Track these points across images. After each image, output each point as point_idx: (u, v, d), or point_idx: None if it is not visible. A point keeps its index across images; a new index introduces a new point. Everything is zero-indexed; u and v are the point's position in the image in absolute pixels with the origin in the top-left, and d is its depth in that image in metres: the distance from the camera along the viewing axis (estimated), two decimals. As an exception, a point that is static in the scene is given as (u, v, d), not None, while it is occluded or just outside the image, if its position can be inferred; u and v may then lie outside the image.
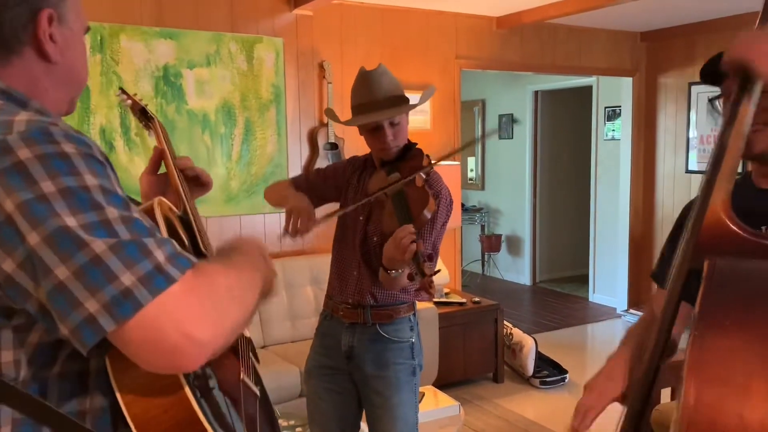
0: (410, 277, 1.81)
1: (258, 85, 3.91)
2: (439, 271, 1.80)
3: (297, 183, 2.28)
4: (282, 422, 2.84)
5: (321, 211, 2.12)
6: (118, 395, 0.82)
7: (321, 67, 4.09)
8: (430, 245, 2.04)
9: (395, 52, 4.34)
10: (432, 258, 1.91)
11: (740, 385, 0.89)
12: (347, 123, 2.07)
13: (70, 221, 0.72)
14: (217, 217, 3.82)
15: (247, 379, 1.14)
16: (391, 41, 4.33)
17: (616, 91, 5.92)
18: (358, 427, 2.23)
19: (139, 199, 1.28)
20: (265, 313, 3.70)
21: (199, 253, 1.14)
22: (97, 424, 0.84)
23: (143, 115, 1.46)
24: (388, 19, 4.32)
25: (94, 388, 0.84)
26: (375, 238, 2.07)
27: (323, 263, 3.99)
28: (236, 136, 3.86)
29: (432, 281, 1.73)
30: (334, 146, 4.11)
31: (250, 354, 1.25)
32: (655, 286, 1.55)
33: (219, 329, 0.77)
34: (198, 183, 1.38)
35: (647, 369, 1.17)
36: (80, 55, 0.95)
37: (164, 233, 0.95)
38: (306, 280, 3.85)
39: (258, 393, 1.18)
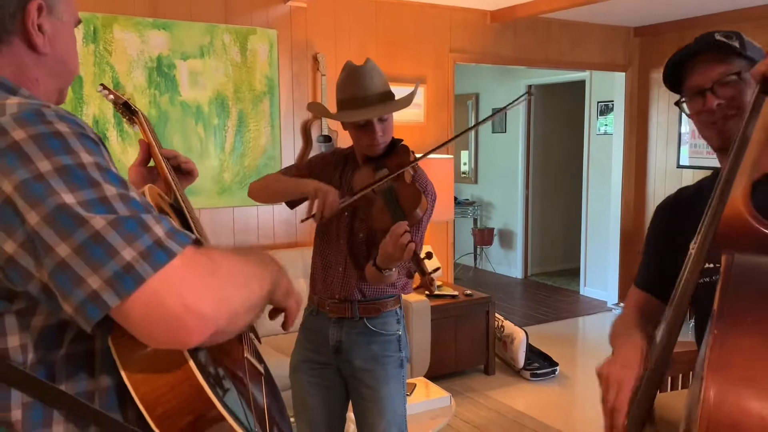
0: (409, 275, 1.80)
1: (252, 77, 3.90)
2: (439, 268, 1.80)
3: (286, 173, 2.22)
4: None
5: (302, 208, 2.04)
6: (124, 376, 0.82)
7: (315, 59, 4.09)
8: (421, 243, 2.04)
9: (389, 45, 4.34)
10: (431, 256, 1.91)
11: (764, 385, 0.87)
12: (337, 118, 2.03)
13: (69, 198, 0.73)
14: (210, 208, 3.83)
15: (251, 358, 1.14)
16: (385, 34, 4.33)
17: (608, 85, 5.95)
18: (344, 419, 2.24)
19: None
20: (257, 304, 3.70)
21: None
22: (104, 403, 0.85)
23: (126, 109, 1.45)
24: (383, 12, 4.32)
25: (100, 369, 0.85)
26: (361, 235, 2.06)
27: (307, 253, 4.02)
28: (229, 128, 3.86)
29: (433, 279, 1.72)
30: (327, 139, 4.12)
31: (252, 334, 1.25)
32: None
33: (221, 306, 0.77)
34: (183, 172, 1.39)
35: (655, 370, 1.17)
36: (70, 46, 0.95)
37: None
38: (298, 272, 3.85)
39: (263, 371, 1.19)
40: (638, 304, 1.50)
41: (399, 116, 4.29)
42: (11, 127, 0.74)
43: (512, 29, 4.90)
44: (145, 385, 0.82)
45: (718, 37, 1.30)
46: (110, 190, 0.76)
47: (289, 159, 4.08)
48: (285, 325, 1.11)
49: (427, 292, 4.14)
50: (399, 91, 2.05)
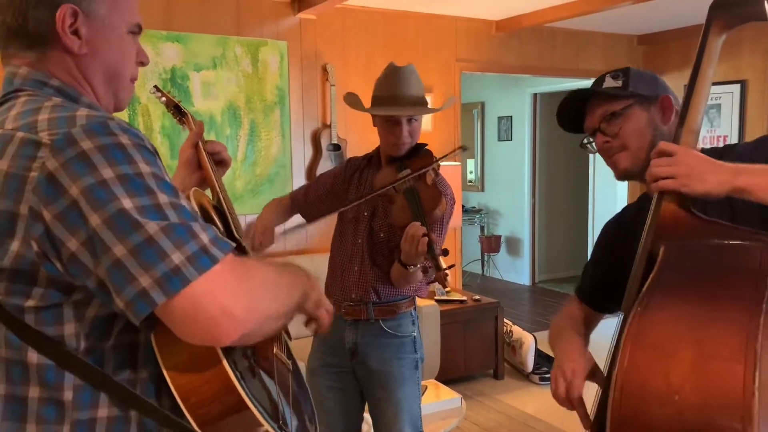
0: (424, 270, 1.84)
1: (263, 88, 3.99)
2: (453, 265, 1.85)
3: (294, 198, 2.34)
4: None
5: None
6: (162, 366, 0.90)
7: (324, 69, 4.17)
8: (442, 243, 2.09)
9: (396, 55, 4.42)
10: (447, 253, 1.97)
11: (668, 350, 0.99)
12: (370, 111, 2.10)
13: (127, 204, 0.81)
14: (223, 216, 3.90)
15: (280, 354, 1.21)
16: (393, 44, 4.41)
17: (613, 93, 6.00)
18: (361, 420, 2.28)
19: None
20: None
21: (233, 239, 1.21)
22: (143, 392, 0.92)
23: (177, 110, 1.54)
24: (390, 22, 4.41)
25: (143, 360, 0.93)
26: (382, 235, 2.10)
27: (323, 261, 4.04)
28: (241, 137, 3.95)
29: (447, 274, 1.77)
30: (336, 147, 4.19)
31: (283, 333, 1.32)
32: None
33: (252, 310, 0.85)
34: (220, 163, 1.47)
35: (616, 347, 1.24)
36: (117, 49, 1.00)
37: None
38: (310, 278, 3.92)
39: (291, 367, 1.26)
40: (576, 309, 1.59)
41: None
42: (80, 138, 0.83)
43: (517, 38, 4.98)
44: (182, 378, 0.90)
45: (605, 81, 1.43)
46: (163, 198, 0.84)
47: (299, 167, 4.16)
48: (317, 332, 1.21)
49: (438, 294, 4.20)
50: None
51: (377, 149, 2.22)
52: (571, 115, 1.50)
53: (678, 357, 0.97)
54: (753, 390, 0.90)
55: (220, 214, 1.28)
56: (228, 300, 0.82)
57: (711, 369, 0.94)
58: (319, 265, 3.82)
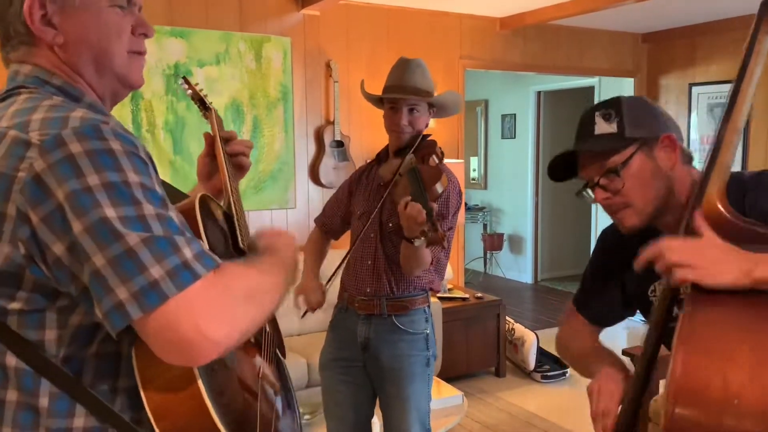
0: (423, 234, 1.79)
1: (266, 84, 3.99)
2: (451, 228, 1.88)
3: (323, 227, 2.41)
4: (290, 411, 2.89)
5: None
6: (139, 384, 0.87)
7: (328, 66, 4.17)
8: (452, 237, 2.12)
9: (400, 52, 4.37)
10: (444, 217, 2.00)
11: (724, 353, 0.93)
12: (369, 94, 2.22)
13: (110, 213, 0.79)
14: (226, 212, 3.90)
15: (267, 372, 1.17)
16: (397, 41, 4.41)
17: (617, 91, 5.99)
18: (372, 414, 2.29)
19: (178, 186, 1.33)
20: (272, 306, 3.77)
21: (237, 249, 1.19)
22: (123, 402, 0.91)
23: (202, 104, 1.54)
24: (394, 19, 4.40)
25: (124, 371, 0.90)
26: (390, 225, 2.13)
27: (330, 259, 4.06)
28: (244, 134, 3.94)
29: (445, 234, 1.79)
30: (339, 144, 4.19)
31: (276, 349, 1.29)
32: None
33: (233, 329, 0.82)
34: (239, 167, 1.45)
35: (640, 373, 1.20)
36: (98, 28, 0.94)
37: (201, 230, 1.01)
38: (312, 275, 3.92)
39: (278, 387, 1.22)
40: (584, 331, 1.53)
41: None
42: (70, 140, 0.81)
43: (521, 36, 4.97)
44: (156, 397, 0.87)
45: (597, 125, 1.28)
46: (149, 209, 0.81)
47: (302, 164, 4.16)
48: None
49: (440, 291, 4.20)
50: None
51: (386, 147, 2.26)
52: (564, 159, 1.35)
53: (734, 359, 0.92)
54: None
55: (228, 219, 1.25)
56: (205, 321, 0.79)
57: None
58: (327, 262, 3.84)
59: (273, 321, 1.33)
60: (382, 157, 2.26)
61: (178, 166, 3.73)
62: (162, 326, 0.78)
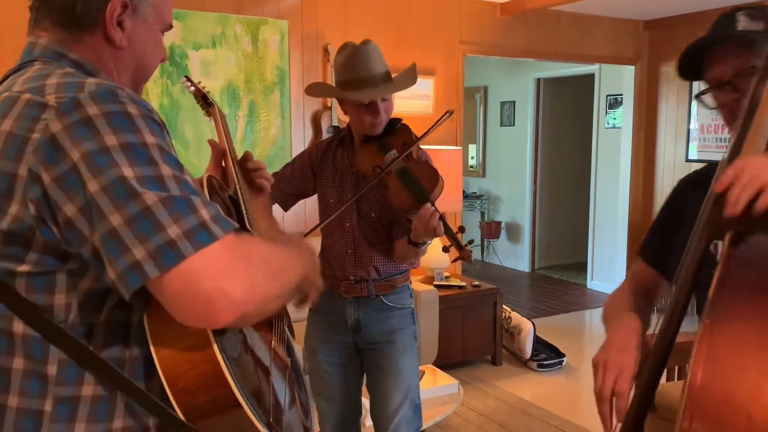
0: (445, 250, 1.88)
1: (263, 68, 3.93)
2: (473, 241, 1.87)
3: (275, 199, 2.25)
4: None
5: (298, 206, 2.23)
6: (152, 348, 0.86)
7: (325, 50, 4.11)
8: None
9: (399, 37, 4.36)
10: (463, 230, 1.93)
11: (752, 380, 0.84)
12: (345, 97, 2.02)
13: (128, 172, 0.78)
14: (221, 197, 3.86)
15: (278, 348, 1.17)
16: (395, 25, 4.35)
17: (618, 79, 5.95)
18: (360, 394, 2.30)
19: None
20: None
21: (245, 229, 1.19)
22: (132, 372, 0.89)
23: (204, 101, 1.56)
24: (393, 3, 4.34)
25: (134, 339, 0.89)
26: (373, 214, 2.10)
27: (318, 244, 4.04)
28: (240, 118, 3.89)
29: (471, 251, 1.80)
30: (337, 129, 4.14)
31: (285, 328, 1.28)
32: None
33: (251, 292, 0.81)
34: (255, 187, 1.45)
35: (658, 350, 1.07)
36: (150, 47, 1.02)
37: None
38: (308, 262, 3.89)
39: (289, 363, 1.21)
40: (639, 278, 1.41)
41: (407, 107, 4.32)
42: (87, 103, 0.81)
43: (522, 21, 4.91)
44: (170, 360, 0.86)
45: (740, 21, 1.18)
46: (166, 170, 0.81)
47: (299, 149, 4.10)
48: (298, 306, 1.18)
49: (437, 279, 4.17)
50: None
51: (347, 129, 2.18)
52: (689, 60, 1.23)
53: (763, 390, 0.83)
54: None
55: (235, 204, 1.25)
56: (225, 281, 0.78)
57: None
58: (318, 247, 3.84)
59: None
60: (347, 142, 2.16)
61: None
62: (181, 286, 0.77)
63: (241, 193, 1.29)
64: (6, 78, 0.95)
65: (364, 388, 2.27)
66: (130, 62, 0.99)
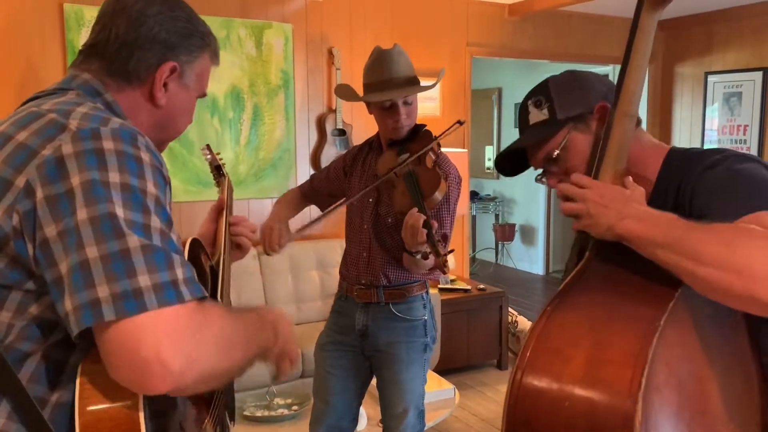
0: (425, 257, 1.87)
1: (267, 71, 3.95)
2: (453, 250, 1.86)
3: (303, 190, 2.39)
4: (279, 401, 2.91)
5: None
6: (76, 395, 0.82)
7: (330, 53, 4.11)
8: (448, 226, 2.09)
9: (405, 39, 4.34)
10: (446, 238, 1.97)
11: (566, 354, 0.94)
12: (364, 99, 2.10)
13: (119, 211, 0.79)
14: (225, 200, 3.88)
15: (210, 430, 1.12)
16: (401, 28, 4.34)
17: (632, 80, 5.85)
18: (360, 402, 2.29)
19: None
20: (271, 295, 3.76)
21: (214, 299, 1.18)
22: (54, 416, 0.85)
23: (218, 172, 1.61)
24: (398, 5, 4.33)
25: (65, 383, 0.85)
26: (390, 220, 2.11)
27: (329, 248, 4.05)
28: (245, 121, 3.92)
29: (446, 260, 1.78)
30: (342, 132, 4.15)
31: (224, 409, 1.24)
32: None
33: (190, 366, 0.78)
34: (238, 247, 1.47)
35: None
36: (184, 111, 1.08)
37: None
38: (312, 264, 3.90)
39: None
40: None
41: (414, 110, 4.31)
42: (105, 136, 0.84)
43: (531, 23, 4.86)
44: (91, 415, 0.82)
45: (531, 113, 1.27)
46: (156, 222, 0.82)
47: (303, 152, 4.12)
48: (275, 381, 1.15)
49: (441, 283, 4.15)
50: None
51: (377, 134, 2.22)
52: (511, 157, 1.33)
53: (573, 362, 0.92)
54: (636, 396, 0.84)
55: (213, 273, 1.26)
56: (166, 348, 0.75)
57: (602, 374, 0.89)
58: (323, 251, 3.86)
59: (230, 383, 1.30)
60: (375, 147, 2.22)
61: (177, 152, 3.71)
62: (124, 340, 0.75)
63: (223, 265, 1.28)
64: (36, 98, 0.96)
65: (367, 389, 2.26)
66: (162, 121, 1.04)
